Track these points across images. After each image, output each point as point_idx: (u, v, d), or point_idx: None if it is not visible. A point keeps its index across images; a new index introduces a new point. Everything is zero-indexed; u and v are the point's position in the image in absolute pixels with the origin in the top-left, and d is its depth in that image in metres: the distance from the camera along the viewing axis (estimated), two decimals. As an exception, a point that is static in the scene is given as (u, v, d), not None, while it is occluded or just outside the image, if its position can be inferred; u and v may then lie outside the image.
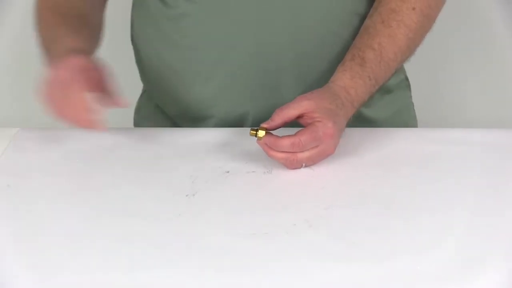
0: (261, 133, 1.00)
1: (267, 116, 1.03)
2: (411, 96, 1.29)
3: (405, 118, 1.26)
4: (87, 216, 0.93)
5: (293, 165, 1.01)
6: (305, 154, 1.00)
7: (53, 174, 1.02)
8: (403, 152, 1.06)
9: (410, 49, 1.12)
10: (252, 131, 1.01)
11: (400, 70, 1.25)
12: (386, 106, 1.23)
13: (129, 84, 1.78)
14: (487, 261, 0.84)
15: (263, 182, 1.00)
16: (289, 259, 0.85)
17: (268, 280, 0.82)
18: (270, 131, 1.01)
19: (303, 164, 1.01)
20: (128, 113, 1.84)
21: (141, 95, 1.33)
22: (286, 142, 0.99)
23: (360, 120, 1.18)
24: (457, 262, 0.84)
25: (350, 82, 1.07)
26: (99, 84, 1.01)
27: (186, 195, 0.97)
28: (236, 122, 1.16)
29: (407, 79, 1.29)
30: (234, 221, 0.91)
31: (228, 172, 1.02)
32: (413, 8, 1.10)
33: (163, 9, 1.15)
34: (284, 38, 1.11)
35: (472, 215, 0.92)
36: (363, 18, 1.14)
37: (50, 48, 1.10)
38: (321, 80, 1.11)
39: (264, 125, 1.01)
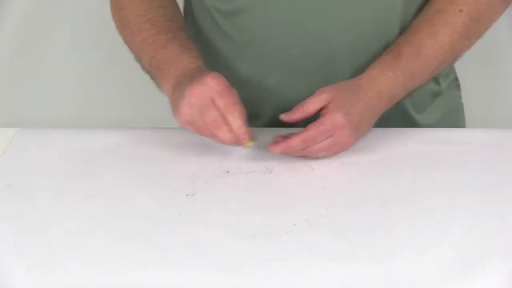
0: (250, 143, 1.01)
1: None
2: (460, 96, 1.28)
3: (454, 120, 1.25)
4: (87, 216, 0.93)
5: (312, 156, 1.03)
6: (317, 147, 1.02)
7: (53, 174, 1.02)
8: (403, 152, 1.06)
9: (453, 50, 1.10)
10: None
11: (451, 70, 1.24)
12: (436, 109, 1.21)
13: (130, 83, 1.79)
14: (487, 261, 0.84)
15: (263, 182, 1.00)
16: (289, 259, 0.85)
17: (268, 280, 0.82)
18: (284, 136, 1.03)
19: (319, 154, 1.03)
20: (128, 113, 1.84)
21: None
22: (296, 142, 1.01)
23: (414, 126, 1.18)
24: (457, 262, 0.84)
25: (380, 75, 1.06)
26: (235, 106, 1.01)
27: (186, 195, 0.97)
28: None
29: (457, 79, 1.27)
30: (234, 221, 0.91)
31: (228, 172, 1.02)
32: (460, 10, 1.08)
33: (218, 3, 1.13)
34: (343, 37, 1.10)
35: (472, 215, 0.92)
36: None
37: (164, 69, 1.08)
38: None
39: (283, 116, 1.03)
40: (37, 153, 1.07)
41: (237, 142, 1.00)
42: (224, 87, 1.00)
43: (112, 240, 0.88)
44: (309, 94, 1.06)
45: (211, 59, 1.16)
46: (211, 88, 0.99)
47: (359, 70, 1.10)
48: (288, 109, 1.07)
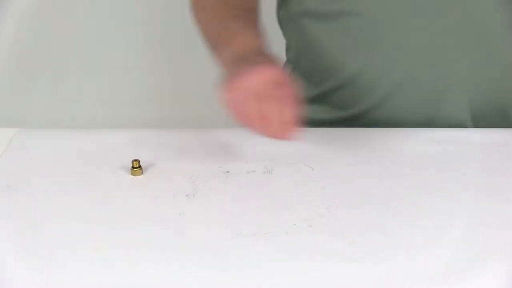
0: (138, 173, 1.00)
1: (426, 126, 1.03)
2: None
3: None
4: (87, 216, 0.93)
5: None
6: None
7: (53, 174, 1.02)
8: (403, 152, 1.06)
9: None
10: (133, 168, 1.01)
11: None
12: None
13: (130, 83, 1.79)
14: (487, 261, 0.84)
15: (263, 182, 1.00)
16: (289, 259, 0.85)
17: (268, 280, 0.82)
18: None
19: None
20: (128, 113, 1.84)
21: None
22: None
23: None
24: (457, 262, 0.84)
25: None
26: (288, 99, 0.96)
27: (186, 195, 0.97)
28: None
29: None
30: (234, 221, 0.91)
31: (228, 172, 1.02)
32: None
33: (319, 2, 1.09)
34: (462, 46, 1.06)
35: (472, 214, 0.92)
36: None
37: (225, 43, 1.05)
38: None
39: None
40: (37, 153, 1.07)
41: (286, 135, 0.95)
42: (275, 79, 0.95)
43: (112, 240, 0.88)
44: (417, 104, 1.07)
45: (316, 60, 1.14)
46: (262, 78, 0.94)
47: (472, 90, 1.09)
48: (401, 111, 1.06)
